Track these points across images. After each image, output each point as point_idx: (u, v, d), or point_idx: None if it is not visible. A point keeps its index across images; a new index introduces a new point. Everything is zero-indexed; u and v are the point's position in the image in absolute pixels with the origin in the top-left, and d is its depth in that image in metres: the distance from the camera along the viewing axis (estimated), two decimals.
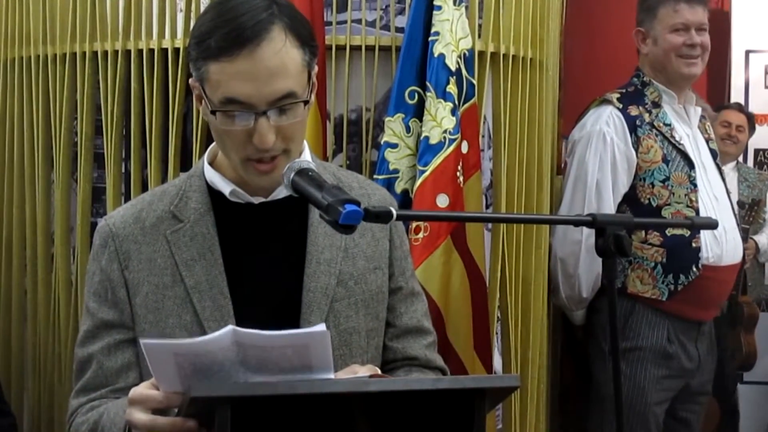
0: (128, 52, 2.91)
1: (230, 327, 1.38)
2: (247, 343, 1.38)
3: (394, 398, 1.47)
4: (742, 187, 5.08)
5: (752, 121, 5.28)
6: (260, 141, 1.58)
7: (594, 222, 1.58)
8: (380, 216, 1.42)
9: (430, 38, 2.69)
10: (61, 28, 3.01)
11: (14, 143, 3.15)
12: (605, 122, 3.18)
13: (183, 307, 1.69)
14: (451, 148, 2.67)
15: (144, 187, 2.89)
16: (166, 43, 2.86)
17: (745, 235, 4.57)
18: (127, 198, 2.91)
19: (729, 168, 4.93)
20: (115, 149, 2.93)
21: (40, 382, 3.12)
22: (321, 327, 1.41)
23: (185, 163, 2.85)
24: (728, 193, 3.34)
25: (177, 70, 2.83)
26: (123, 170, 2.97)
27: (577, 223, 1.68)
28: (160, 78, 2.87)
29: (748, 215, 4.75)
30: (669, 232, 3.10)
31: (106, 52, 2.93)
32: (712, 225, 1.82)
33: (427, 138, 2.66)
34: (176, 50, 2.84)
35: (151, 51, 2.88)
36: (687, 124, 3.27)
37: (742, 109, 5.26)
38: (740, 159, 5.38)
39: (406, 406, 1.49)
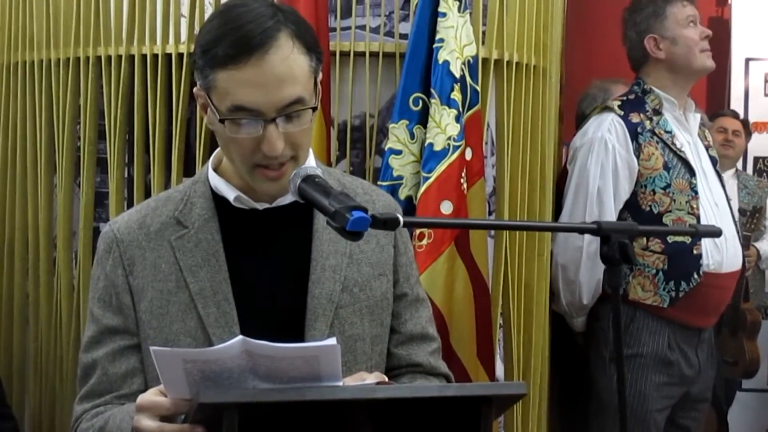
0: (132, 57, 2.91)
1: (240, 337, 1.38)
2: (257, 352, 1.38)
3: (401, 405, 1.47)
4: (742, 195, 5.09)
5: (748, 127, 5.29)
6: (269, 148, 1.58)
7: (599, 230, 1.57)
8: (387, 223, 1.42)
9: (435, 45, 2.69)
10: (64, 32, 3.02)
11: (17, 147, 3.15)
12: (607, 129, 3.18)
13: (187, 313, 1.69)
14: (455, 154, 2.67)
15: (147, 192, 2.89)
16: (170, 48, 2.87)
17: (747, 243, 4.57)
18: (130, 203, 2.91)
19: (728, 175, 4.93)
20: (118, 154, 2.93)
21: (42, 385, 3.12)
22: (332, 341, 1.42)
23: (188, 168, 2.86)
24: (728, 200, 3.34)
25: (180, 75, 2.84)
26: (126, 175, 2.97)
27: (582, 231, 1.68)
28: (163, 83, 2.87)
29: (749, 222, 4.75)
30: (670, 239, 3.10)
31: (109, 57, 2.93)
32: (715, 233, 1.81)
33: (431, 144, 2.66)
34: (180, 55, 2.85)
35: (154, 56, 2.88)
36: (687, 131, 3.27)
37: (737, 115, 5.27)
38: (740, 167, 5.38)
39: (413, 413, 1.49)
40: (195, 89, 1.66)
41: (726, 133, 5.09)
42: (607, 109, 3.25)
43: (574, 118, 3.92)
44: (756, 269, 5.04)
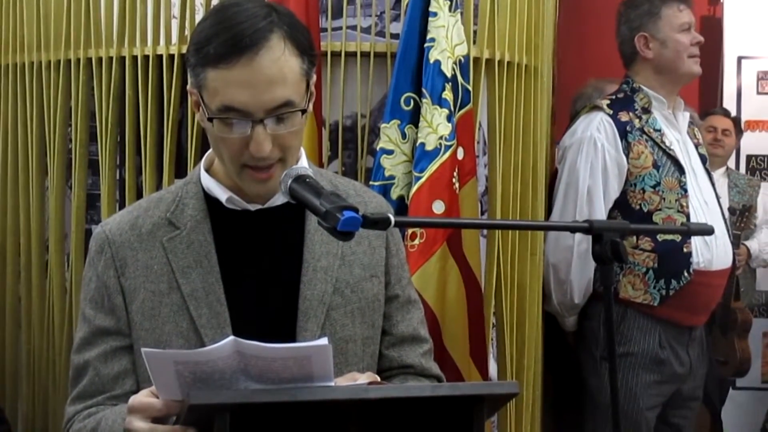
0: (123, 58, 2.91)
1: (231, 337, 1.38)
2: (248, 353, 1.38)
3: (393, 406, 1.47)
4: (733, 193, 5.09)
5: (739, 125, 5.29)
6: (256, 149, 1.58)
7: (591, 228, 1.57)
8: (378, 222, 1.42)
9: (426, 44, 2.69)
10: (55, 34, 3.01)
11: (8, 150, 3.14)
12: (596, 128, 3.19)
13: (179, 315, 1.69)
14: (447, 154, 2.67)
15: (139, 194, 2.89)
16: (161, 50, 2.86)
17: (737, 241, 4.57)
18: (122, 205, 2.91)
19: (719, 174, 4.94)
20: (109, 156, 2.92)
21: (35, 388, 3.11)
22: (323, 341, 1.42)
23: (180, 170, 2.85)
24: (718, 198, 3.35)
25: (172, 77, 2.83)
26: (118, 177, 2.97)
27: (574, 230, 1.68)
28: (154, 84, 2.87)
29: (739, 221, 4.75)
30: (660, 237, 3.11)
31: (100, 59, 2.93)
32: (707, 231, 1.82)
33: (423, 144, 2.67)
34: (171, 56, 2.84)
35: (145, 57, 2.88)
36: (676, 130, 3.28)
37: (727, 113, 5.27)
38: (732, 165, 5.39)
39: (405, 413, 1.49)
40: (188, 86, 1.66)
41: (715, 132, 5.09)
42: (596, 108, 3.25)
43: (566, 117, 3.92)
44: (747, 268, 5.04)
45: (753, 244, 5.02)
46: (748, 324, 4.74)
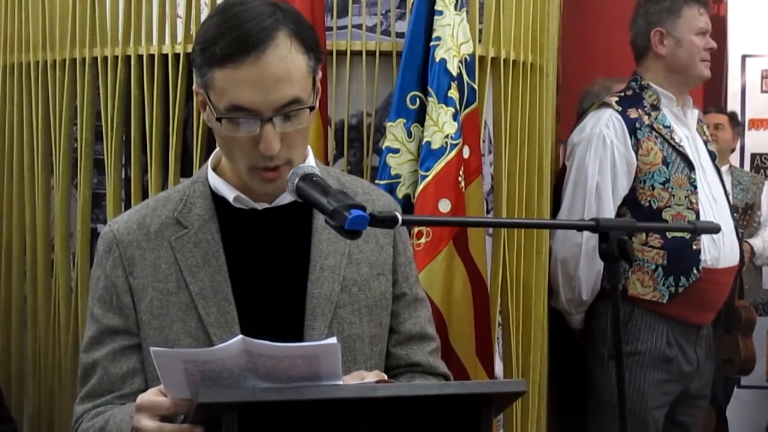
0: (128, 57, 2.91)
1: (240, 336, 1.38)
2: (257, 352, 1.38)
3: (401, 404, 1.47)
4: (736, 191, 5.09)
5: (735, 119, 5.28)
6: (266, 148, 1.58)
7: (597, 227, 1.57)
8: (386, 221, 1.42)
9: (432, 43, 2.69)
10: (60, 33, 3.01)
11: (14, 149, 3.14)
12: (605, 125, 3.18)
13: (188, 314, 1.69)
14: (453, 153, 2.67)
15: (144, 193, 2.89)
16: (166, 49, 2.86)
17: (741, 239, 4.57)
18: (128, 204, 2.91)
19: (722, 171, 4.94)
20: (115, 155, 2.92)
21: (40, 388, 3.12)
22: (332, 340, 1.42)
23: (186, 169, 2.86)
24: (727, 195, 3.35)
25: (177, 76, 2.84)
26: (123, 176, 2.97)
27: (580, 228, 1.68)
28: (160, 83, 2.87)
29: (742, 219, 4.75)
30: (669, 234, 3.10)
31: (106, 58, 2.93)
32: (714, 229, 1.82)
33: (428, 143, 2.67)
34: (176, 56, 2.84)
35: (151, 57, 2.88)
36: (686, 127, 3.28)
37: (721, 110, 5.27)
38: (736, 163, 5.39)
39: (412, 412, 1.49)
40: (194, 87, 1.66)
41: (708, 127, 5.09)
42: (605, 104, 3.25)
43: (570, 116, 3.92)
44: (751, 266, 5.04)
45: (757, 242, 5.02)
46: (752, 322, 4.73)
